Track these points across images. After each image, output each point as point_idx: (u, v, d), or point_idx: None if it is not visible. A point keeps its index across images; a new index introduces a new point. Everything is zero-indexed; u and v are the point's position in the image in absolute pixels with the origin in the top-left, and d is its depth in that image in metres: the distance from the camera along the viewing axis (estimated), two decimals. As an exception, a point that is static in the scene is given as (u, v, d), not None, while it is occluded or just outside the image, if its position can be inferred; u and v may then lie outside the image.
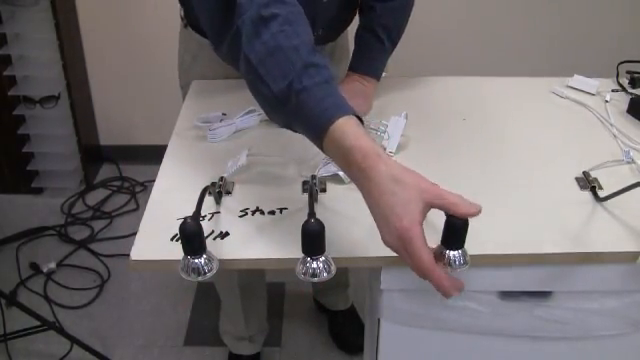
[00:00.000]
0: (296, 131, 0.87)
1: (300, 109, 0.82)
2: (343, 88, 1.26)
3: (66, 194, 2.51)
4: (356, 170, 0.77)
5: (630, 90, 1.36)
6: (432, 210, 0.97)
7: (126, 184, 2.61)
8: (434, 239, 0.90)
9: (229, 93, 1.32)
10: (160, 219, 0.96)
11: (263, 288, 1.74)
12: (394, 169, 0.76)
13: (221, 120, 1.20)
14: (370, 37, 1.31)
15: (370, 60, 1.32)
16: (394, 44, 1.34)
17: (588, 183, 1.05)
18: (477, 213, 0.75)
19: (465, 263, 0.83)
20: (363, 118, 1.14)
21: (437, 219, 0.94)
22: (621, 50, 2.33)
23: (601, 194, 1.02)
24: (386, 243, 0.77)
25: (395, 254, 0.91)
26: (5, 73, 2.24)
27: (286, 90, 0.82)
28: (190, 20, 1.34)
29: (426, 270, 0.74)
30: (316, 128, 0.81)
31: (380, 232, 0.77)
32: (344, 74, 1.34)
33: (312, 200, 0.91)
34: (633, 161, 1.12)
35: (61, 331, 1.75)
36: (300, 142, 1.14)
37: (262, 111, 1.21)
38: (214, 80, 1.38)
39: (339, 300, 1.90)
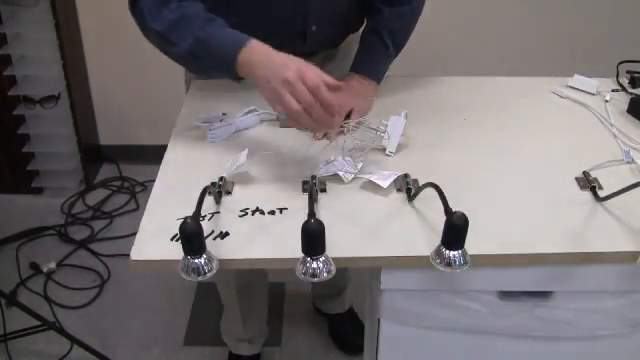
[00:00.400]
0: (213, 75, 1.12)
1: (210, 51, 1.03)
2: (344, 89, 1.26)
3: (66, 194, 2.51)
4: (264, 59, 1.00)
5: (630, 90, 1.37)
6: (432, 211, 0.97)
7: (126, 184, 2.61)
8: (434, 239, 0.90)
9: (229, 93, 1.32)
10: (160, 219, 0.96)
11: (264, 291, 1.73)
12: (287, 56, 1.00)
13: (221, 120, 1.20)
14: (375, 40, 1.31)
15: (373, 62, 1.32)
16: (398, 49, 1.34)
17: (588, 183, 1.05)
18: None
19: (465, 263, 0.83)
20: (363, 118, 1.14)
21: (437, 219, 0.95)
22: (621, 50, 2.33)
23: (601, 194, 1.02)
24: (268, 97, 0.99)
25: (395, 254, 0.91)
26: (5, 73, 2.24)
27: (195, 43, 1.04)
28: None
29: (314, 83, 0.95)
30: (228, 60, 1.02)
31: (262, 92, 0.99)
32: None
33: (312, 200, 0.91)
34: (633, 161, 1.12)
35: (61, 331, 1.75)
36: (300, 142, 1.14)
37: (262, 111, 1.22)
38: (214, 80, 1.38)
39: (336, 305, 1.90)
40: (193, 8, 1.08)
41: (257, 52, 1.01)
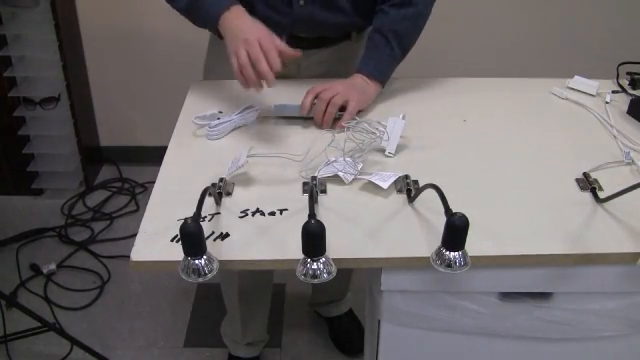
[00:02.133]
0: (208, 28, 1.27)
1: (199, 10, 1.21)
2: (345, 81, 1.26)
3: (66, 195, 2.51)
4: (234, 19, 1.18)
5: (630, 91, 1.37)
6: (432, 212, 0.97)
7: (126, 185, 2.61)
8: (434, 240, 0.90)
9: (229, 94, 1.33)
10: (160, 220, 0.96)
11: (267, 298, 1.73)
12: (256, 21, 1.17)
13: (218, 118, 1.20)
14: (380, 40, 1.30)
15: (377, 62, 1.31)
16: (404, 52, 1.33)
17: (588, 184, 1.05)
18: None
19: (465, 264, 0.83)
20: (363, 118, 1.14)
21: (437, 220, 0.95)
22: (621, 51, 2.33)
23: (601, 195, 1.02)
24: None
25: (395, 255, 0.91)
26: (5, 74, 2.24)
27: (189, 1, 1.21)
28: None
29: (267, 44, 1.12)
30: (211, 20, 1.20)
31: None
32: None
33: (312, 201, 0.91)
34: (633, 162, 1.12)
35: (61, 332, 1.75)
36: (300, 142, 1.14)
37: (259, 107, 1.23)
38: (213, 81, 1.38)
39: (334, 309, 1.90)
40: None
41: (235, 17, 1.18)
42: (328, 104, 1.21)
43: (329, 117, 1.21)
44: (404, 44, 1.32)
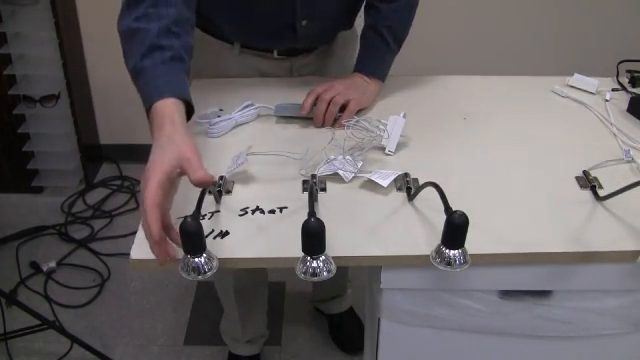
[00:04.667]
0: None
1: (139, 86, 0.96)
2: (344, 81, 1.26)
3: (66, 193, 2.51)
4: (155, 131, 0.91)
5: (630, 89, 1.36)
6: (432, 210, 0.97)
7: (126, 183, 2.61)
8: (434, 238, 0.90)
9: (229, 92, 1.32)
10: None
11: (263, 294, 1.73)
12: (174, 133, 0.89)
13: (218, 116, 1.20)
14: (375, 38, 1.31)
15: (375, 61, 1.32)
16: (399, 45, 1.34)
17: (588, 182, 1.05)
18: (204, 180, 0.84)
19: (465, 262, 0.83)
20: (363, 119, 1.14)
21: (437, 218, 0.95)
22: (621, 49, 2.33)
23: (601, 193, 1.02)
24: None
25: (395, 253, 0.91)
26: (5, 72, 2.24)
27: (133, 69, 0.97)
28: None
29: (145, 207, 0.81)
30: (145, 103, 0.95)
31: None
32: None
33: (312, 199, 0.91)
34: (633, 160, 1.12)
35: (61, 330, 1.75)
36: (300, 141, 1.14)
37: (259, 105, 1.23)
38: (213, 79, 1.38)
39: (335, 306, 1.90)
40: (154, 23, 0.98)
41: (155, 118, 0.93)
42: (329, 104, 1.21)
43: (330, 117, 1.21)
44: (399, 37, 1.33)
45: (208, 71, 1.36)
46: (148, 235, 0.82)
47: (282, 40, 1.31)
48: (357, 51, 1.37)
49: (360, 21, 1.39)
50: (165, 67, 0.96)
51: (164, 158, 0.86)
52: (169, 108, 0.91)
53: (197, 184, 0.84)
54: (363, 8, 1.36)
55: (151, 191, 0.82)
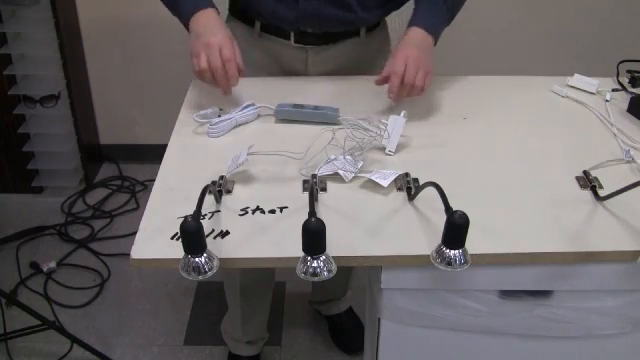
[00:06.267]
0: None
1: (175, 4, 1.23)
2: (414, 44, 1.23)
3: (66, 193, 2.51)
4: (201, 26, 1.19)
5: (630, 89, 1.37)
6: (432, 210, 0.97)
7: (126, 183, 2.61)
8: (434, 238, 0.90)
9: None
10: (160, 218, 0.96)
11: (267, 297, 1.72)
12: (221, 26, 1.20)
13: (219, 115, 1.20)
14: None
15: (434, 17, 1.28)
16: (451, 19, 1.32)
17: (588, 182, 1.05)
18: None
19: (465, 262, 0.83)
20: (363, 119, 1.14)
21: (437, 218, 0.95)
22: (621, 49, 2.33)
23: (601, 193, 1.02)
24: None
25: (395, 253, 0.91)
26: (5, 72, 2.24)
27: None
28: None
29: (229, 57, 1.16)
30: (184, 17, 1.22)
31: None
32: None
33: (312, 199, 0.91)
34: (633, 160, 1.12)
35: (61, 330, 1.75)
36: (301, 140, 1.14)
37: (260, 105, 1.23)
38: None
39: (334, 307, 1.90)
40: None
41: (205, 18, 1.20)
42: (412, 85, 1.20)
43: (412, 92, 1.21)
44: (455, 9, 1.32)
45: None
46: (224, 78, 1.16)
47: (286, 10, 1.30)
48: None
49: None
50: None
51: (227, 35, 1.18)
52: (213, 15, 1.21)
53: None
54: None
55: (231, 49, 1.16)
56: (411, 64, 1.19)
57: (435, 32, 1.27)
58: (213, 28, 1.18)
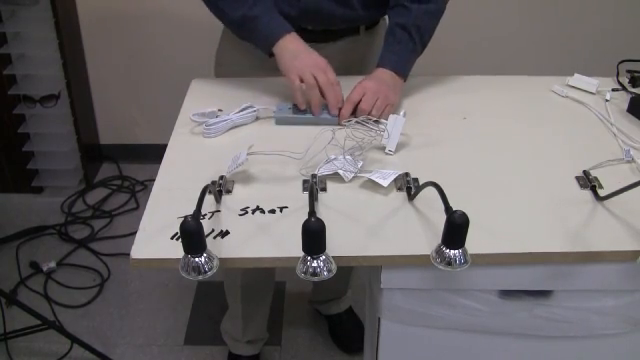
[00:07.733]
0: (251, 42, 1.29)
1: (253, 31, 1.26)
2: (374, 79, 1.24)
3: (66, 193, 2.51)
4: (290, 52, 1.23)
5: (630, 89, 1.37)
6: (432, 209, 0.97)
7: (126, 183, 2.61)
8: (434, 238, 0.90)
9: (229, 93, 1.33)
10: (160, 218, 0.96)
11: (268, 297, 1.72)
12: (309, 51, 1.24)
13: (217, 116, 1.20)
14: (403, 35, 1.28)
15: (401, 58, 1.29)
16: (424, 48, 1.33)
17: (588, 182, 1.05)
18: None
19: (465, 262, 0.83)
20: (364, 119, 1.14)
21: (437, 218, 0.95)
22: (621, 49, 2.33)
23: (601, 193, 1.02)
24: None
25: (395, 253, 0.91)
26: (5, 72, 2.24)
27: (242, 20, 1.25)
28: None
29: (331, 82, 1.22)
30: (268, 40, 1.24)
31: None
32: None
33: (312, 199, 0.91)
34: (633, 160, 1.12)
35: (61, 330, 1.75)
36: (300, 140, 1.14)
37: (258, 107, 1.23)
38: (214, 79, 1.38)
39: (334, 307, 1.90)
40: None
41: (296, 40, 1.24)
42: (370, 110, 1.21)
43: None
44: (425, 40, 1.32)
45: (229, 60, 1.41)
46: (335, 99, 1.21)
47: (288, 6, 1.30)
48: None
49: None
50: (273, 14, 1.26)
51: (321, 56, 1.23)
52: (295, 37, 1.25)
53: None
54: (391, 7, 1.34)
55: (333, 72, 1.22)
56: (369, 94, 1.21)
57: (403, 71, 1.29)
58: (308, 49, 1.23)
